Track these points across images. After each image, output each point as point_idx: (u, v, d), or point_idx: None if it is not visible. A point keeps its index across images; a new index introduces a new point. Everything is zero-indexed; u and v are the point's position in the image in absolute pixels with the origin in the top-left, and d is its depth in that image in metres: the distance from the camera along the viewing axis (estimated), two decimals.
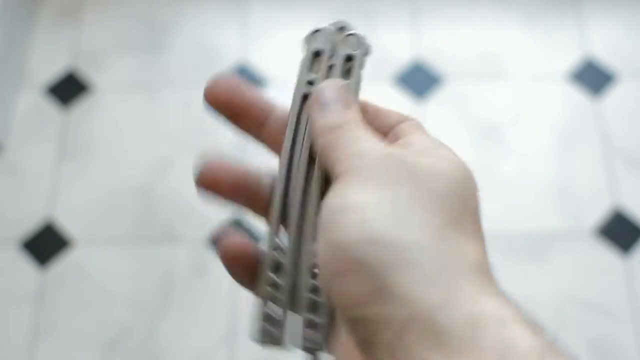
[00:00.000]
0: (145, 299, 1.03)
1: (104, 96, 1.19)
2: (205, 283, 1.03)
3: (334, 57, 0.27)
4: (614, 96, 1.17)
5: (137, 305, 1.02)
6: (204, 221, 1.08)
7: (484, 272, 0.20)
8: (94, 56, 1.23)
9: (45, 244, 1.07)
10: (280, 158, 0.25)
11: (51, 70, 1.21)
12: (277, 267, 0.24)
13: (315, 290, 0.24)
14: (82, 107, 1.18)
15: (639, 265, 1.03)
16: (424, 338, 0.19)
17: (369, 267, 0.20)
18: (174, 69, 1.21)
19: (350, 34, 0.27)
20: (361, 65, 0.27)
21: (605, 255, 1.04)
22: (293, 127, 0.25)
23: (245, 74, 1.20)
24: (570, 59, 1.20)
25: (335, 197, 0.22)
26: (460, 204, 0.21)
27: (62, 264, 1.05)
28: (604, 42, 1.21)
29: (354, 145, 0.23)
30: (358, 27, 1.24)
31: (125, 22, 1.26)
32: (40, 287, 1.04)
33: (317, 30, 0.27)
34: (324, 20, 1.31)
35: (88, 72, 1.21)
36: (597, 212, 1.07)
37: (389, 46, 1.22)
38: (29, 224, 1.08)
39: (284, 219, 0.25)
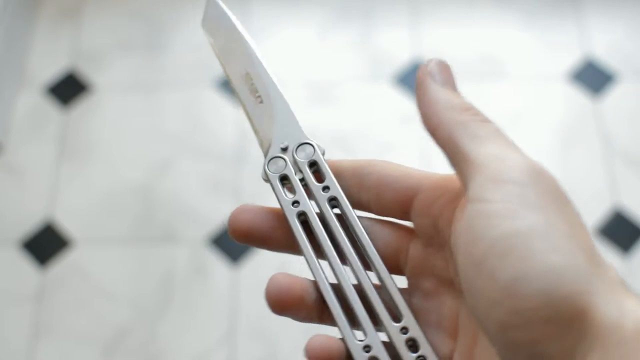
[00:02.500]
0: (145, 299, 1.03)
1: (104, 96, 1.19)
2: (205, 283, 1.03)
3: (299, 172, 0.27)
4: (614, 96, 1.16)
5: (137, 305, 1.02)
6: (204, 221, 1.08)
7: (623, 283, 0.21)
8: (94, 56, 1.23)
9: (45, 244, 1.07)
10: (315, 276, 0.26)
11: (51, 70, 1.21)
12: None
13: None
14: (82, 107, 1.18)
15: (639, 265, 1.03)
16: (606, 352, 0.19)
17: (560, 298, 0.19)
18: (174, 69, 1.21)
19: (299, 145, 0.28)
20: (325, 164, 0.27)
21: (606, 255, 1.04)
22: (308, 247, 0.26)
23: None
24: (570, 59, 1.20)
25: (495, 224, 0.20)
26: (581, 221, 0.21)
27: (62, 264, 1.05)
28: (604, 42, 1.21)
29: (492, 145, 0.22)
30: (358, 27, 1.24)
31: (125, 22, 1.26)
32: (40, 287, 1.04)
33: (270, 160, 0.27)
34: (324, 20, 1.30)
35: (88, 72, 1.21)
36: (597, 212, 1.07)
37: (389, 46, 1.22)
38: (29, 224, 1.08)
39: (351, 318, 0.25)
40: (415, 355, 0.24)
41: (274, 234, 0.26)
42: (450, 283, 0.25)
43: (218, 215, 1.08)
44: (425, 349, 0.24)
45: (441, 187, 0.25)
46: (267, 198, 1.14)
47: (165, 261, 1.05)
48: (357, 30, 1.24)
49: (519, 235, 0.20)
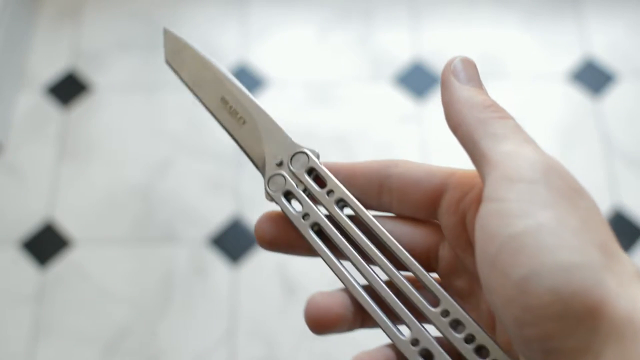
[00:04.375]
0: (145, 299, 1.03)
1: (104, 96, 1.19)
2: (205, 283, 1.03)
3: (299, 183, 0.27)
4: (614, 96, 1.17)
5: (137, 305, 1.02)
6: (204, 221, 1.08)
7: None
8: (94, 56, 1.23)
9: (45, 244, 1.07)
10: (345, 284, 0.25)
11: (51, 70, 1.21)
12: (427, 355, 0.24)
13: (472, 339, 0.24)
14: (82, 107, 1.18)
15: (638, 266, 1.03)
16: (621, 346, 0.19)
17: (570, 294, 0.19)
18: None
19: (292, 156, 0.27)
20: (322, 168, 0.27)
21: None
22: (331, 257, 0.26)
23: (245, 73, 1.20)
24: (570, 59, 1.20)
25: (507, 223, 0.20)
26: (600, 216, 0.22)
27: (62, 264, 1.05)
28: (604, 42, 1.21)
29: (508, 143, 0.22)
30: (358, 27, 1.24)
31: (125, 22, 1.26)
32: (40, 287, 1.04)
33: (269, 180, 0.27)
34: (324, 21, 1.30)
35: (88, 72, 1.21)
36: None
37: (389, 46, 1.22)
38: (29, 224, 1.08)
39: (391, 315, 0.25)
40: (461, 336, 0.24)
41: (298, 240, 0.27)
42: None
43: (218, 215, 1.08)
44: (470, 327, 0.24)
45: (468, 184, 0.25)
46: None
47: (165, 261, 1.05)
48: (357, 30, 1.24)
49: (529, 233, 0.20)
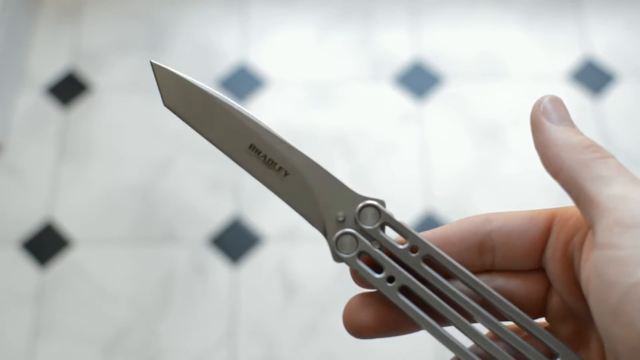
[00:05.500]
0: (145, 299, 1.03)
1: (104, 96, 1.19)
2: (205, 283, 1.03)
3: (375, 240, 0.24)
4: (614, 96, 1.17)
5: (137, 305, 1.02)
6: (204, 221, 1.08)
7: None
8: (94, 56, 1.23)
9: (45, 244, 1.07)
10: (455, 351, 0.23)
11: (51, 70, 1.21)
12: None
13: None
14: (82, 107, 1.18)
15: None
16: None
17: None
18: (174, 68, 1.21)
19: (359, 209, 0.24)
20: (398, 222, 0.24)
21: None
22: (432, 323, 0.23)
23: (245, 74, 1.20)
24: (570, 59, 1.20)
25: (627, 272, 0.19)
26: None
27: (62, 264, 1.05)
28: (604, 42, 1.21)
29: (616, 185, 0.21)
30: (358, 27, 1.24)
31: (125, 22, 1.26)
32: (40, 287, 1.04)
33: (336, 242, 0.24)
34: (324, 20, 1.29)
35: (88, 72, 1.21)
36: None
37: (389, 46, 1.22)
38: (29, 224, 1.08)
39: None
40: None
41: (388, 320, 0.24)
42: (592, 323, 0.24)
43: (218, 215, 1.08)
44: None
45: (572, 225, 0.24)
46: (268, 198, 1.13)
47: (165, 261, 1.05)
48: (357, 31, 1.24)
49: None
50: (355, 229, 0.23)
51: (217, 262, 1.05)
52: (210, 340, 1.00)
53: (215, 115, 0.24)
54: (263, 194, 1.08)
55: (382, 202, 0.24)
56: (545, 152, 0.23)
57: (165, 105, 0.25)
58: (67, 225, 1.08)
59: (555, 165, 0.23)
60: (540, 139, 0.23)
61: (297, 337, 0.99)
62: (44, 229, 1.08)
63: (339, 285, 1.02)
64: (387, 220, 0.24)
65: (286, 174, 0.24)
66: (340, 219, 0.24)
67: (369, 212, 0.24)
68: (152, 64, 0.26)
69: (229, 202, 1.09)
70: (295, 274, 1.04)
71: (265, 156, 0.24)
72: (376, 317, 0.24)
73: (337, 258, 0.23)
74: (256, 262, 1.05)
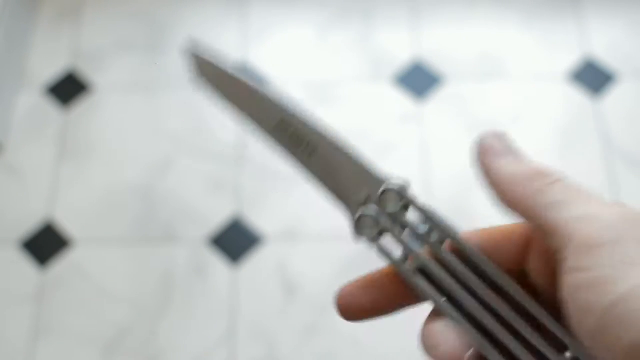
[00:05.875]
0: (145, 299, 1.03)
1: (104, 96, 1.19)
2: (205, 283, 1.03)
3: (395, 220, 0.24)
4: (614, 96, 1.16)
5: (137, 305, 1.02)
6: (204, 221, 1.08)
7: None
8: (94, 56, 1.23)
9: (45, 244, 1.07)
10: (466, 333, 0.23)
11: (51, 70, 1.21)
12: None
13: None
14: (82, 107, 1.18)
15: None
16: None
17: None
18: (174, 69, 1.21)
19: (383, 192, 0.24)
20: (417, 201, 0.24)
21: None
22: (449, 307, 0.23)
23: (245, 74, 1.20)
24: (570, 59, 1.20)
25: (598, 293, 0.19)
26: None
27: (62, 264, 1.05)
28: (604, 42, 1.21)
29: (574, 207, 0.21)
30: (358, 27, 1.24)
31: (125, 22, 1.26)
32: (40, 287, 1.04)
33: (358, 221, 0.24)
34: (324, 20, 1.29)
35: (88, 72, 1.21)
36: None
37: (389, 46, 1.22)
38: (29, 224, 1.08)
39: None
40: None
41: (381, 302, 0.25)
42: None
43: (218, 215, 1.08)
44: None
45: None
46: (269, 198, 1.13)
47: (165, 261, 1.05)
48: (357, 30, 1.24)
49: (625, 300, 0.19)
50: (378, 209, 0.24)
51: (217, 262, 1.05)
52: (210, 340, 1.00)
53: (240, 92, 0.26)
54: (263, 194, 1.08)
55: (406, 183, 0.24)
56: (497, 190, 0.23)
57: (196, 84, 0.27)
58: (67, 225, 1.08)
59: (510, 201, 0.22)
60: (490, 178, 0.23)
61: (297, 337, 0.99)
62: (44, 229, 1.08)
63: (339, 286, 1.02)
64: (410, 202, 0.24)
65: (313, 152, 0.25)
66: (364, 198, 0.24)
67: (392, 194, 0.24)
68: (191, 54, 0.27)
69: (229, 202, 1.09)
70: (295, 274, 1.04)
71: (294, 132, 0.25)
72: (369, 296, 0.25)
73: (358, 236, 0.24)
74: (256, 262, 1.05)
